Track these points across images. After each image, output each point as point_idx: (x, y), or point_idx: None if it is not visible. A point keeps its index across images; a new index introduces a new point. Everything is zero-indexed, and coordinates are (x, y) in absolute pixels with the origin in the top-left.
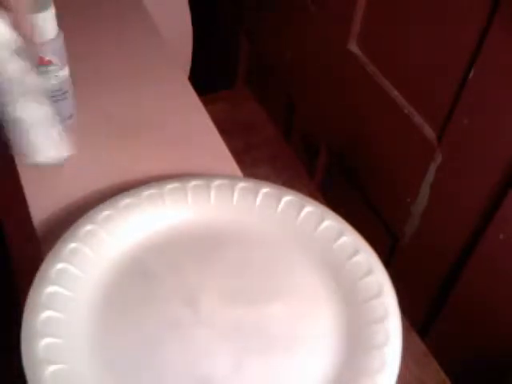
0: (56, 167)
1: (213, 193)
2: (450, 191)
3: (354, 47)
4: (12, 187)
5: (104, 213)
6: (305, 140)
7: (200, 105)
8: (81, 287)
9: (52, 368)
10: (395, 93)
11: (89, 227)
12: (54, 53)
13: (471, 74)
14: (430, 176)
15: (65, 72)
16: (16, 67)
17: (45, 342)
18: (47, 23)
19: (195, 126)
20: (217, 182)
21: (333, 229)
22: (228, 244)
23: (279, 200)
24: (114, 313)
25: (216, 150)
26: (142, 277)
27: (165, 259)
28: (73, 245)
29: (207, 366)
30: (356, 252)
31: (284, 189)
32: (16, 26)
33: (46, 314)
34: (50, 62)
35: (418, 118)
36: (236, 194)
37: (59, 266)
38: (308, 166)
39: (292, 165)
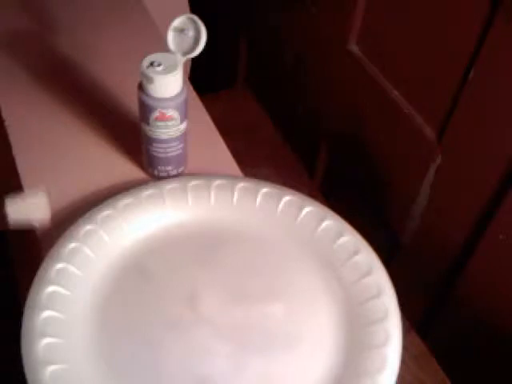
0: (55, 167)
1: (213, 193)
2: (449, 191)
3: (353, 47)
4: (12, 187)
5: (104, 213)
6: (305, 140)
7: (200, 105)
8: (81, 287)
9: (52, 368)
10: (395, 93)
11: (89, 227)
12: (176, 108)
13: (471, 74)
14: (430, 176)
15: (183, 126)
16: None
17: (45, 342)
18: (172, 83)
19: (195, 125)
20: (217, 182)
21: (333, 229)
22: (228, 244)
23: (279, 200)
24: (114, 313)
25: (216, 150)
26: (141, 276)
27: (165, 259)
28: (73, 245)
29: (207, 366)
30: (356, 252)
31: (284, 189)
32: None
33: (45, 313)
34: (170, 118)
35: (418, 118)
36: (236, 194)
37: (59, 265)
38: (308, 165)
39: (292, 165)
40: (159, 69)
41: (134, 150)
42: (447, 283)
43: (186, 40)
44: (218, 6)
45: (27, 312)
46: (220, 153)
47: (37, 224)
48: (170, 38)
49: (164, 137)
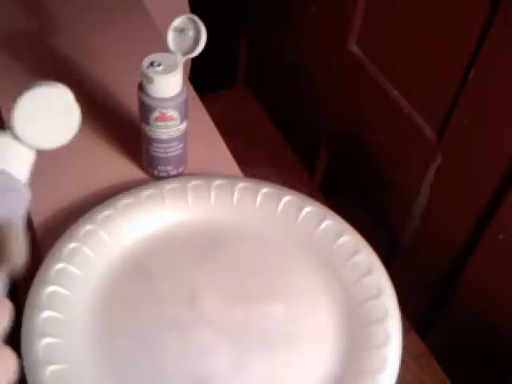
0: (55, 168)
1: (213, 193)
2: (450, 191)
3: (353, 47)
4: None
5: (104, 213)
6: (305, 140)
7: (200, 105)
8: (81, 287)
9: (52, 368)
10: (395, 93)
11: (89, 227)
12: (176, 108)
13: (471, 74)
14: (430, 176)
15: (183, 126)
16: None
17: (45, 342)
18: (172, 83)
19: (195, 125)
20: (217, 182)
21: (333, 229)
22: (228, 244)
23: (279, 200)
24: (114, 313)
25: (216, 149)
26: (141, 277)
27: (165, 259)
28: (73, 245)
29: (207, 366)
30: (356, 252)
31: (284, 189)
32: None
33: (45, 313)
34: (170, 118)
35: (418, 118)
36: (236, 194)
37: (59, 265)
38: (308, 165)
39: (292, 165)
40: (159, 69)
41: (134, 150)
42: (447, 283)
43: (186, 40)
44: (218, 6)
45: (27, 312)
46: (220, 153)
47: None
48: (170, 38)
49: (164, 137)
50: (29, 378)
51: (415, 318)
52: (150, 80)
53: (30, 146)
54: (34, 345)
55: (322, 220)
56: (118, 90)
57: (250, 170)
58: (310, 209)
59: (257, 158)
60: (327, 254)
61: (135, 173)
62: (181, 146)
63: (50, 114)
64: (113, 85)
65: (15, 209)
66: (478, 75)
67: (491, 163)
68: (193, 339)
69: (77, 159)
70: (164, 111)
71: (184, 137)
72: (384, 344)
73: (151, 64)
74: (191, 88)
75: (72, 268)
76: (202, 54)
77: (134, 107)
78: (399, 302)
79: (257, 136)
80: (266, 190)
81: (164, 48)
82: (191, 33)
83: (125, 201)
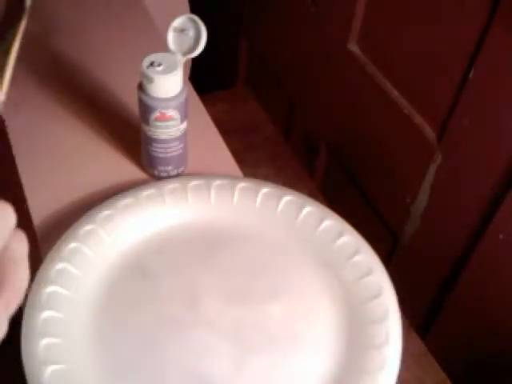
0: (55, 168)
1: (213, 193)
2: (450, 191)
3: (354, 47)
4: (12, 187)
5: (104, 213)
6: (305, 140)
7: (200, 105)
8: (81, 287)
9: (52, 368)
10: (395, 93)
11: (89, 227)
12: (176, 108)
13: (471, 74)
14: (430, 176)
15: (183, 126)
16: None
17: (45, 342)
18: (172, 83)
19: (195, 125)
20: (217, 182)
21: (333, 229)
22: (228, 244)
23: (279, 200)
24: (114, 313)
25: (216, 149)
26: (141, 277)
27: (165, 259)
28: (73, 245)
29: (207, 366)
30: (356, 252)
31: (284, 189)
32: None
33: (45, 313)
34: (170, 118)
35: (418, 118)
36: (236, 194)
37: (59, 265)
38: (308, 165)
39: (292, 165)
40: (159, 69)
41: (133, 150)
42: (447, 283)
43: (186, 40)
44: (218, 6)
45: (27, 312)
46: (220, 153)
47: None
48: (170, 38)
49: (164, 137)
50: (29, 377)
51: (415, 318)
52: (150, 80)
53: None
54: (33, 345)
55: (322, 220)
56: (118, 90)
57: (250, 170)
58: (310, 209)
59: (257, 158)
60: (327, 254)
61: (135, 173)
62: (181, 146)
63: None
64: (113, 85)
65: None
66: (478, 75)
67: (491, 163)
68: (193, 339)
69: (77, 159)
70: (164, 111)
71: (184, 137)
72: (384, 344)
73: (151, 64)
74: (191, 88)
75: (72, 268)
76: (201, 54)
77: (134, 107)
78: (399, 302)
79: (257, 136)
80: (266, 189)
81: (164, 48)
82: (191, 33)
83: (125, 201)
